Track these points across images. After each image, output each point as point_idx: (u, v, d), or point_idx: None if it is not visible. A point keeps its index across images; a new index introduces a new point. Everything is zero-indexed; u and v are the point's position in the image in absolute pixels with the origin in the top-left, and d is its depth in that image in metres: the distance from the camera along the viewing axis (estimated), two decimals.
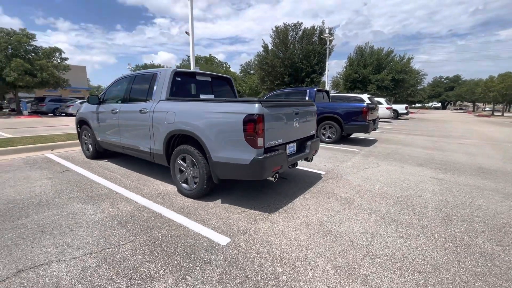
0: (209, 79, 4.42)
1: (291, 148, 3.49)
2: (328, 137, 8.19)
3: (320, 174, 4.68)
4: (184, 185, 3.43)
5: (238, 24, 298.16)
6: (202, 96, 4.26)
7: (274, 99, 3.30)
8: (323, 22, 25.36)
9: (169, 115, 3.41)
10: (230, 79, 4.80)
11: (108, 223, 2.67)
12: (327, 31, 23.93)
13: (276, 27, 25.79)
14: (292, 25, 25.54)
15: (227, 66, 61.11)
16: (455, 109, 72.91)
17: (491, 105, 54.97)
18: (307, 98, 8.16)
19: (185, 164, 3.37)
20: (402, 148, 7.64)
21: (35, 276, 1.87)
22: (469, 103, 75.11)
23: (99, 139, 4.89)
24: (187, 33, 10.33)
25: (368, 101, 9.80)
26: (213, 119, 2.97)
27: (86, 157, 5.44)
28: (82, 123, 5.40)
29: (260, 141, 2.75)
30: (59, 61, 22.78)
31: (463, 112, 53.00)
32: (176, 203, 3.21)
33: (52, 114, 21.76)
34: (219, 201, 3.32)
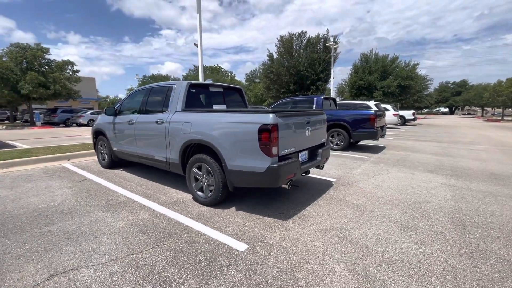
0: (221, 90, 4.58)
1: (303, 156, 3.58)
2: (337, 144, 8.23)
3: (331, 181, 4.73)
4: (200, 193, 3.54)
5: (242, 33, 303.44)
6: (215, 107, 4.40)
7: (287, 109, 3.41)
8: (327, 31, 25.73)
9: (185, 125, 3.55)
10: (241, 90, 4.96)
11: (130, 230, 2.78)
12: (331, 39, 24.22)
13: (281, 36, 26.25)
14: (297, 34, 25.97)
15: (233, 75, 62.01)
16: (463, 114, 71.99)
17: (500, 110, 54.19)
18: (314, 106, 8.27)
19: (200, 173, 3.49)
20: (412, 154, 7.63)
21: (67, 281, 1.98)
22: (477, 108, 74.21)
23: (115, 149, 5.06)
24: (196, 45, 10.65)
25: (375, 108, 9.84)
26: (228, 129, 3.09)
27: (101, 166, 5.62)
28: (98, 134, 5.60)
29: (274, 150, 2.85)
30: (71, 73, 23.56)
31: (472, 117, 52.30)
32: (193, 211, 3.31)
33: (63, 125, 22.38)
34: (233, 208, 3.41)
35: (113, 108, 4.91)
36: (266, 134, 2.80)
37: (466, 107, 78.63)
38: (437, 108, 76.62)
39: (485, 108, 58.78)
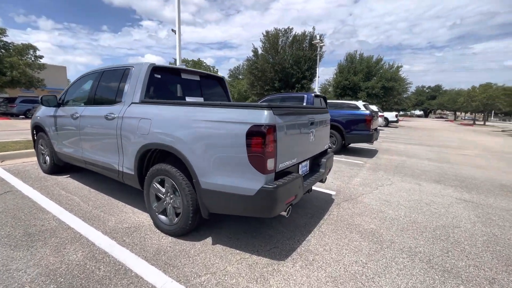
0: (197, 78, 3.58)
1: (304, 168, 2.71)
2: (328, 147, 7.49)
3: (331, 194, 3.91)
4: (162, 217, 2.55)
5: (226, 29, 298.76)
6: (188, 99, 3.41)
7: (285, 105, 2.48)
8: (313, 28, 25.16)
9: (143, 122, 2.54)
10: (223, 79, 4.00)
11: (42, 286, 1.75)
12: (318, 37, 23.70)
13: (267, 32, 25.33)
14: (283, 30, 25.20)
15: (215, 70, 60.14)
16: (436, 118, 75.46)
17: (470, 114, 57.22)
18: (304, 104, 7.46)
19: (163, 190, 2.50)
20: (408, 160, 7.06)
21: None
22: (448, 112, 78.24)
23: (57, 150, 3.90)
24: (173, 30, 9.46)
25: (363, 108, 9.24)
26: (203, 129, 2.13)
27: (42, 171, 4.40)
28: (38, 130, 4.38)
29: (270, 163, 1.94)
30: (33, 59, 21.09)
31: (445, 120, 54.67)
32: (150, 245, 2.32)
33: (23, 116, 19.97)
34: (209, 239, 2.47)
35: (55, 98, 3.74)
36: (259, 140, 1.88)
37: (439, 111, 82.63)
38: (412, 111, 79.64)
39: (457, 113, 61.76)
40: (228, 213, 2.21)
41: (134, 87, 2.81)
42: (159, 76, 3.02)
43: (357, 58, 26.03)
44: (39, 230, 2.49)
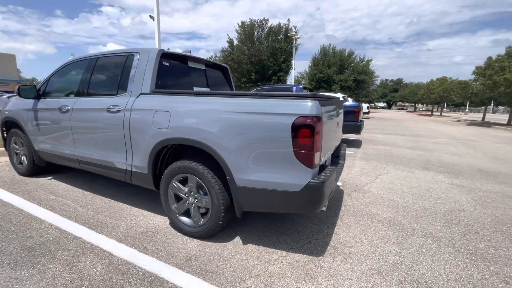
0: (203, 67, 3.32)
1: (329, 160, 2.66)
2: None
3: (339, 185, 3.94)
4: (184, 218, 2.34)
5: (195, 19, 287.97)
6: (195, 89, 3.15)
7: (323, 94, 2.32)
8: (288, 20, 25.15)
9: (159, 115, 2.27)
10: (227, 69, 3.77)
11: None
12: (293, 29, 23.80)
13: (242, 22, 24.82)
14: (258, 21, 24.85)
15: None
16: (398, 109, 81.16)
17: (427, 106, 62.39)
18: None
19: (185, 189, 2.28)
20: (392, 149, 7.43)
21: None
22: (408, 104, 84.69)
23: (38, 149, 3.39)
24: (151, 17, 8.78)
25: (350, 101, 9.54)
26: (238, 122, 1.95)
27: (18, 173, 3.83)
28: (10, 126, 3.78)
29: (317, 156, 1.84)
30: None
31: (406, 111, 59.00)
32: (177, 251, 2.11)
33: None
34: (238, 239, 2.32)
35: (34, 88, 3.22)
36: (306, 132, 1.76)
37: (399, 103, 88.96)
38: (376, 103, 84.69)
39: (417, 104, 66.90)
40: (266, 211, 2.09)
41: (142, 76, 2.50)
42: (167, 64, 2.73)
43: (330, 51, 26.70)
44: (39, 243, 2.14)
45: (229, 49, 25.41)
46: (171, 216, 2.39)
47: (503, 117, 30.41)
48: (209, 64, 3.39)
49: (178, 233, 2.38)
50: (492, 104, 29.37)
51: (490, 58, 18.68)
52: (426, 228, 2.68)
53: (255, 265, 1.98)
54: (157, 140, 2.27)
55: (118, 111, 2.52)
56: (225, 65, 3.73)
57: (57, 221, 2.49)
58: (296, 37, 23.76)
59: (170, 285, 1.73)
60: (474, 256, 2.20)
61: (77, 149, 2.94)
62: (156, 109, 2.29)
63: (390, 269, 1.99)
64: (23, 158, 3.70)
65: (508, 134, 13.65)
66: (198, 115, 2.10)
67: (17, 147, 3.75)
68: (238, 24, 24.94)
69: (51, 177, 3.78)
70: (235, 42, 25.47)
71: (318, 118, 1.78)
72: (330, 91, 25.10)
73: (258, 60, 24.05)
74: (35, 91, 3.22)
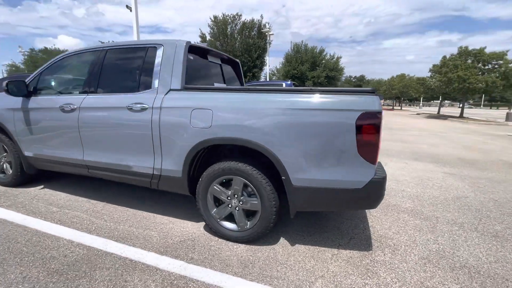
0: (219, 61, 3.14)
1: None
2: None
3: None
4: (227, 223, 2.20)
5: (158, 12, 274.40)
6: (215, 85, 2.97)
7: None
8: (261, 17, 25.20)
9: (198, 114, 2.09)
10: (238, 64, 3.62)
11: None
12: (267, 25, 23.88)
13: (215, 17, 24.25)
14: (231, 16, 24.46)
15: None
16: None
17: (388, 101, 67.29)
18: None
19: (228, 192, 2.15)
20: None
21: None
22: None
23: (30, 154, 2.93)
24: (128, 7, 8.11)
25: None
26: (294, 120, 1.87)
27: (0, 184, 3.29)
28: None
29: (378, 153, 1.84)
30: None
31: None
32: (228, 258, 1.98)
33: None
34: (283, 240, 2.26)
35: (23, 84, 2.76)
36: (371, 128, 1.75)
37: None
38: None
39: None
40: (322, 210, 2.05)
41: (170, 71, 2.28)
42: (192, 58, 2.52)
43: (302, 48, 27.33)
44: (66, 263, 1.85)
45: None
46: (210, 221, 2.23)
47: (450, 110, 34.01)
48: (224, 58, 3.22)
49: (219, 239, 2.23)
50: (440, 99, 32.54)
51: (444, 57, 20.67)
52: (446, 215, 2.86)
53: (314, 265, 1.94)
54: (196, 140, 2.09)
55: (143, 109, 2.26)
56: (236, 59, 3.58)
57: (77, 237, 2.19)
58: (270, 33, 23.90)
59: None
60: (498, 238, 2.41)
61: (86, 153, 2.60)
62: (194, 107, 2.11)
63: (436, 257, 2.09)
64: (6, 166, 3.18)
65: (465, 125, 15.30)
66: (247, 113, 1.97)
67: None
68: (210, 18, 24.34)
69: (42, 186, 3.31)
70: (208, 37, 24.81)
71: (381, 113, 1.78)
72: (304, 86, 25.76)
73: (232, 56, 23.72)
74: (25, 88, 2.76)
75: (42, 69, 2.87)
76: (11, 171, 3.15)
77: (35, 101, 2.81)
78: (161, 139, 2.23)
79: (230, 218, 2.22)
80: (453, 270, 1.93)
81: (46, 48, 38.83)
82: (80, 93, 2.65)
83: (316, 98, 1.86)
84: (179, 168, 2.22)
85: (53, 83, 2.87)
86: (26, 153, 2.95)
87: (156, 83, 2.31)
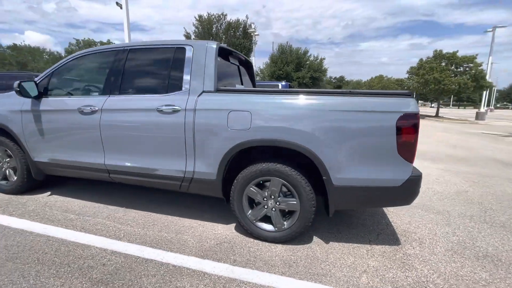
0: (237, 62, 3.14)
1: None
2: None
3: None
4: (263, 224, 2.22)
5: (135, 10, 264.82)
6: (237, 87, 2.96)
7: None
8: (247, 17, 25.14)
9: (236, 115, 2.09)
10: (252, 65, 3.63)
11: None
12: (252, 26, 23.96)
13: (200, 16, 23.89)
14: (216, 15, 24.21)
15: None
16: None
17: None
18: None
19: (265, 193, 2.16)
20: None
21: None
22: None
23: (40, 159, 2.76)
24: (118, 4, 7.81)
25: None
26: (335, 121, 1.94)
27: (2, 192, 3.05)
28: None
29: (415, 152, 1.95)
30: None
31: None
32: (271, 259, 2.00)
33: None
34: (316, 239, 2.31)
35: (34, 85, 2.59)
36: (410, 129, 1.85)
37: None
38: None
39: None
40: (360, 208, 2.13)
41: (202, 73, 2.25)
42: (219, 59, 2.51)
43: (287, 49, 27.66)
44: (108, 272, 1.78)
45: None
46: (246, 223, 2.24)
47: (424, 110, 36.06)
48: (242, 59, 3.22)
49: (254, 240, 2.24)
50: (417, 100, 34.34)
51: (421, 59, 21.88)
52: (454, 209, 3.07)
53: (354, 261, 2.01)
54: (234, 143, 2.09)
55: (175, 111, 2.22)
56: (250, 61, 3.59)
57: (108, 244, 2.10)
58: (255, 34, 23.99)
59: None
60: (506, 228, 2.62)
61: (108, 157, 2.49)
62: (231, 109, 2.10)
63: (460, 248, 2.24)
64: (9, 172, 2.96)
65: (442, 124, 16.29)
66: (287, 114, 2.00)
67: None
68: (195, 17, 23.95)
69: (48, 193, 3.12)
70: (192, 36, 24.40)
71: (418, 115, 1.89)
72: (290, 87, 26.11)
73: None
74: (36, 89, 2.60)
75: (53, 69, 2.71)
76: (15, 178, 2.94)
77: (47, 103, 2.65)
78: (194, 142, 2.20)
79: (266, 219, 2.24)
80: (478, 259, 2.08)
81: (15, 44, 36.22)
82: (100, 94, 2.54)
83: (356, 100, 1.94)
84: (213, 170, 2.21)
85: (66, 84, 2.72)
86: (36, 158, 2.77)
87: (186, 84, 2.27)
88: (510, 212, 3.02)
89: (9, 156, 2.93)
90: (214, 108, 2.15)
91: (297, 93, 2.06)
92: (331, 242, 2.27)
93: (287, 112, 2.01)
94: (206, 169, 2.23)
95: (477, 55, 19.64)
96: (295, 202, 2.10)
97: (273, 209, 2.18)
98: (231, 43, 24.35)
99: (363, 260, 2.02)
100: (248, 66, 3.59)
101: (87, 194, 3.13)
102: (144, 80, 2.48)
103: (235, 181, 2.20)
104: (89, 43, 41.52)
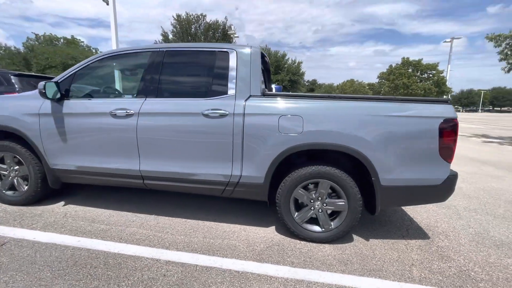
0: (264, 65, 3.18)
1: None
2: None
3: None
4: (311, 225, 2.29)
5: (99, 4, 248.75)
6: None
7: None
8: (226, 18, 25.07)
9: (287, 121, 2.13)
10: (269, 65, 3.67)
11: None
12: (232, 28, 23.97)
13: (178, 15, 23.34)
14: (195, 15, 23.83)
15: (99, 52, 49.54)
16: None
17: None
18: None
19: (313, 196, 2.24)
20: None
21: None
22: None
23: (62, 167, 2.54)
24: (104, 0, 7.38)
25: None
26: (386, 126, 2.07)
27: (8, 203, 2.74)
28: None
29: (454, 153, 2.15)
30: None
31: None
32: (325, 259, 2.07)
33: None
34: (356, 237, 2.43)
35: (56, 86, 2.39)
36: (451, 132, 2.05)
37: None
38: None
39: None
40: (402, 206, 2.28)
41: (248, 77, 2.26)
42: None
43: (265, 52, 28.10)
44: (174, 283, 1.71)
45: (164, 43, 23.44)
46: (293, 225, 2.28)
47: None
48: (266, 62, 3.25)
49: (301, 241, 2.30)
50: None
51: (391, 66, 23.56)
52: (459, 204, 3.39)
53: (399, 256, 2.15)
54: (285, 146, 2.13)
55: (222, 115, 2.20)
56: (268, 61, 3.63)
57: (158, 254, 2.02)
58: (235, 35, 24.02)
59: None
60: (507, 219, 2.97)
61: (144, 163, 2.38)
62: (282, 114, 2.14)
63: (480, 238, 2.51)
64: (18, 181, 2.69)
65: None
66: (340, 119, 2.10)
67: (4, 166, 2.68)
68: (173, 17, 23.33)
69: (62, 202, 2.88)
70: (170, 35, 23.74)
71: (456, 120, 2.09)
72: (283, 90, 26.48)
73: None
74: (58, 91, 2.40)
75: (75, 70, 2.52)
76: (25, 187, 2.67)
77: (72, 106, 2.45)
78: (243, 146, 2.21)
79: (311, 220, 2.30)
80: (498, 248, 2.35)
81: None
82: (134, 97, 2.42)
83: (403, 106, 2.09)
84: (261, 174, 2.23)
85: (90, 86, 2.54)
86: (57, 166, 2.54)
87: (232, 89, 2.26)
88: (503, 204, 3.42)
89: (18, 164, 2.66)
90: (264, 112, 2.18)
91: (347, 99, 2.16)
92: (371, 240, 2.40)
93: (339, 117, 2.11)
94: (254, 173, 2.24)
95: (438, 63, 21.67)
96: (343, 203, 2.20)
97: (320, 210, 2.25)
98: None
99: (406, 254, 2.18)
100: (266, 66, 3.64)
101: (103, 202, 2.94)
102: (184, 84, 2.42)
103: (283, 184, 2.24)
104: (50, 39, 38.36)
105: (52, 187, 2.66)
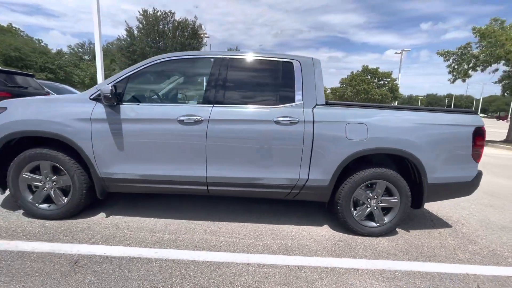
0: None
1: None
2: None
3: None
4: (368, 222, 2.55)
5: None
6: None
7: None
8: (195, 17, 24.45)
9: (353, 127, 2.36)
10: None
11: None
12: (203, 27, 23.56)
13: (144, 11, 22.03)
14: (164, 12, 22.78)
15: (44, 43, 44.02)
16: None
17: None
18: None
19: (370, 195, 2.50)
20: None
21: None
22: None
23: (112, 176, 2.37)
24: None
25: None
26: (432, 132, 2.44)
27: (41, 217, 2.44)
28: (18, 144, 2.35)
29: (482, 155, 2.61)
30: None
31: None
32: (391, 250, 2.35)
33: None
34: (400, 230, 2.76)
35: (113, 91, 2.23)
36: (481, 138, 2.50)
37: None
38: None
39: None
40: (440, 200, 2.67)
41: (313, 86, 2.44)
42: None
43: None
44: (280, 283, 1.80)
45: (128, 39, 21.95)
46: (352, 223, 2.51)
47: None
48: None
49: (359, 237, 2.54)
50: None
51: (352, 72, 25.64)
52: (462, 200, 4.00)
53: (440, 242, 2.54)
54: (351, 151, 2.36)
55: (293, 123, 2.33)
56: None
57: (243, 258, 2.06)
58: (206, 36, 23.64)
59: (436, 273, 2.04)
60: (501, 207, 3.63)
61: (211, 169, 2.37)
62: (348, 121, 2.36)
63: (486, 224, 3.05)
64: (56, 193, 2.42)
65: None
66: (398, 127, 2.40)
67: (38, 177, 2.39)
68: (139, 12, 21.95)
69: (101, 214, 2.66)
70: (135, 32, 22.31)
71: (484, 127, 2.55)
72: None
73: None
74: (115, 95, 2.25)
75: (128, 73, 2.38)
76: (65, 199, 2.43)
77: (128, 111, 2.32)
78: (312, 151, 2.36)
79: (366, 217, 2.57)
80: (503, 230, 2.90)
81: None
82: (199, 103, 2.40)
83: (446, 116, 2.48)
84: (327, 177, 2.41)
85: (150, 91, 2.43)
86: (109, 175, 2.36)
87: (299, 97, 2.41)
88: (494, 195, 4.14)
89: (56, 173, 2.41)
90: (333, 120, 2.37)
91: (403, 109, 2.49)
92: (410, 231, 2.76)
93: (398, 125, 2.41)
94: (320, 176, 2.42)
95: (392, 71, 24.30)
96: (396, 200, 2.50)
97: (375, 208, 2.53)
98: (179, 42, 23.37)
99: (445, 241, 2.57)
100: None
101: (145, 211, 2.80)
102: (251, 91, 2.48)
103: (344, 185, 2.46)
104: None
105: (100, 198, 2.47)
